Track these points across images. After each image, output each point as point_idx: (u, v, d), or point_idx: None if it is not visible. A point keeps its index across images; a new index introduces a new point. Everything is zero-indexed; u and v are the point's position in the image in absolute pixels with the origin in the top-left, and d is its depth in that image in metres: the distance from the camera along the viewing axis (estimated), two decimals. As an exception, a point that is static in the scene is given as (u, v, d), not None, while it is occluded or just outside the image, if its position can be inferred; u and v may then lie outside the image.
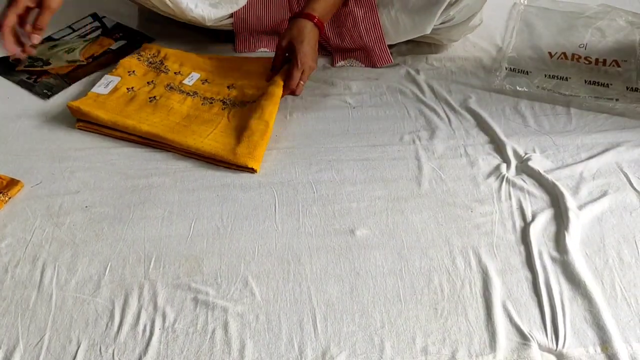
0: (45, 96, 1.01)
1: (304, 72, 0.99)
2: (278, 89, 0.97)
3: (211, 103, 0.99)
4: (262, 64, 1.07)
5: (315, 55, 1.01)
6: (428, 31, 1.05)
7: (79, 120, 0.95)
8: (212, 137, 0.90)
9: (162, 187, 0.85)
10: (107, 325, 0.67)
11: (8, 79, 1.05)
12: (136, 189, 0.85)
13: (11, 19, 0.85)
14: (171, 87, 1.01)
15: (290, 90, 1.00)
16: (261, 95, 0.97)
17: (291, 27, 1.00)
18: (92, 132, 0.94)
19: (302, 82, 1.00)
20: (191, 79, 1.04)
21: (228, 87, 1.03)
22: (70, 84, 1.04)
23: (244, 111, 0.96)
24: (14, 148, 0.91)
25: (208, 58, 1.09)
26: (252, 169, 0.87)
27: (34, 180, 0.86)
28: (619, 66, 1.09)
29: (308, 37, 0.98)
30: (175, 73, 1.05)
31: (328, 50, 1.14)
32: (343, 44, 1.11)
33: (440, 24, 1.05)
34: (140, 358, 0.64)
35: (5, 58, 1.10)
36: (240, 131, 0.91)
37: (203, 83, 1.04)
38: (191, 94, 1.01)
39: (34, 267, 0.74)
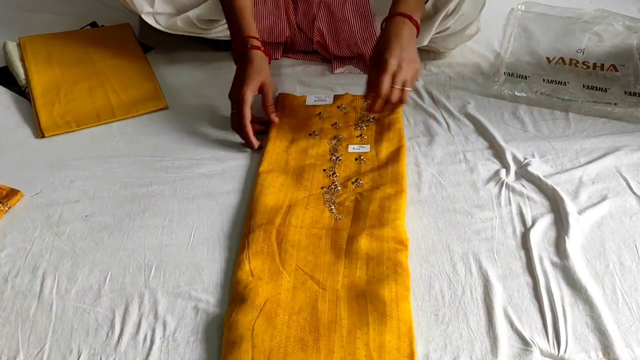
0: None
1: (395, 75, 0.86)
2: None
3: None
4: None
5: (405, 55, 0.87)
6: (425, 43, 1.05)
7: None
8: None
9: (161, 195, 0.85)
10: (107, 334, 0.67)
11: (8, 89, 1.06)
12: (136, 197, 0.85)
13: (248, 118, 0.93)
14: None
15: (382, 97, 0.86)
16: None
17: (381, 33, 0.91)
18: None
19: (397, 87, 0.87)
20: None
21: None
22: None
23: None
24: (13, 158, 0.92)
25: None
26: None
27: (33, 189, 0.86)
28: (616, 70, 1.10)
29: (393, 35, 0.88)
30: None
31: (327, 57, 1.14)
32: (341, 52, 1.12)
33: (436, 33, 1.05)
34: (141, 367, 0.64)
35: (5, 68, 1.11)
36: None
37: None
38: None
39: (34, 276, 0.74)
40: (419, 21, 0.91)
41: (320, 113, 1.01)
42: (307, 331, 0.66)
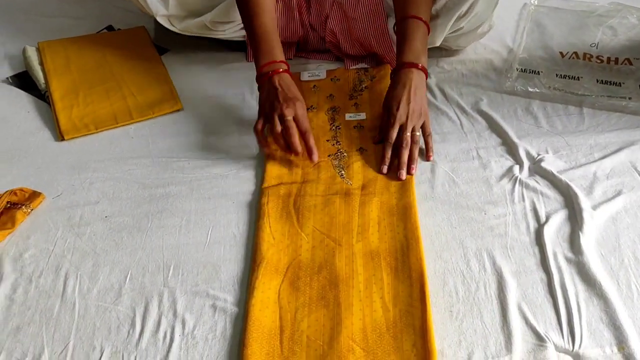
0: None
1: (402, 128, 0.89)
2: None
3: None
4: None
5: (413, 104, 0.89)
6: (437, 43, 1.05)
7: None
8: None
9: (179, 195, 0.87)
10: (128, 332, 0.69)
11: (28, 94, 1.08)
12: (154, 198, 0.86)
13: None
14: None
15: (390, 144, 0.89)
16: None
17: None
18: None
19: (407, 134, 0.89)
20: None
21: None
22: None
23: None
24: (35, 161, 0.94)
25: None
26: None
27: (54, 192, 0.88)
28: (631, 64, 1.09)
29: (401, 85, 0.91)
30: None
31: (340, 56, 1.15)
32: (354, 51, 1.12)
33: (449, 33, 1.05)
34: (161, 364, 0.66)
35: (25, 72, 1.13)
36: None
37: None
38: None
39: (57, 276, 0.76)
40: (426, 65, 0.93)
41: (314, 86, 1.07)
42: (327, 289, 0.72)
